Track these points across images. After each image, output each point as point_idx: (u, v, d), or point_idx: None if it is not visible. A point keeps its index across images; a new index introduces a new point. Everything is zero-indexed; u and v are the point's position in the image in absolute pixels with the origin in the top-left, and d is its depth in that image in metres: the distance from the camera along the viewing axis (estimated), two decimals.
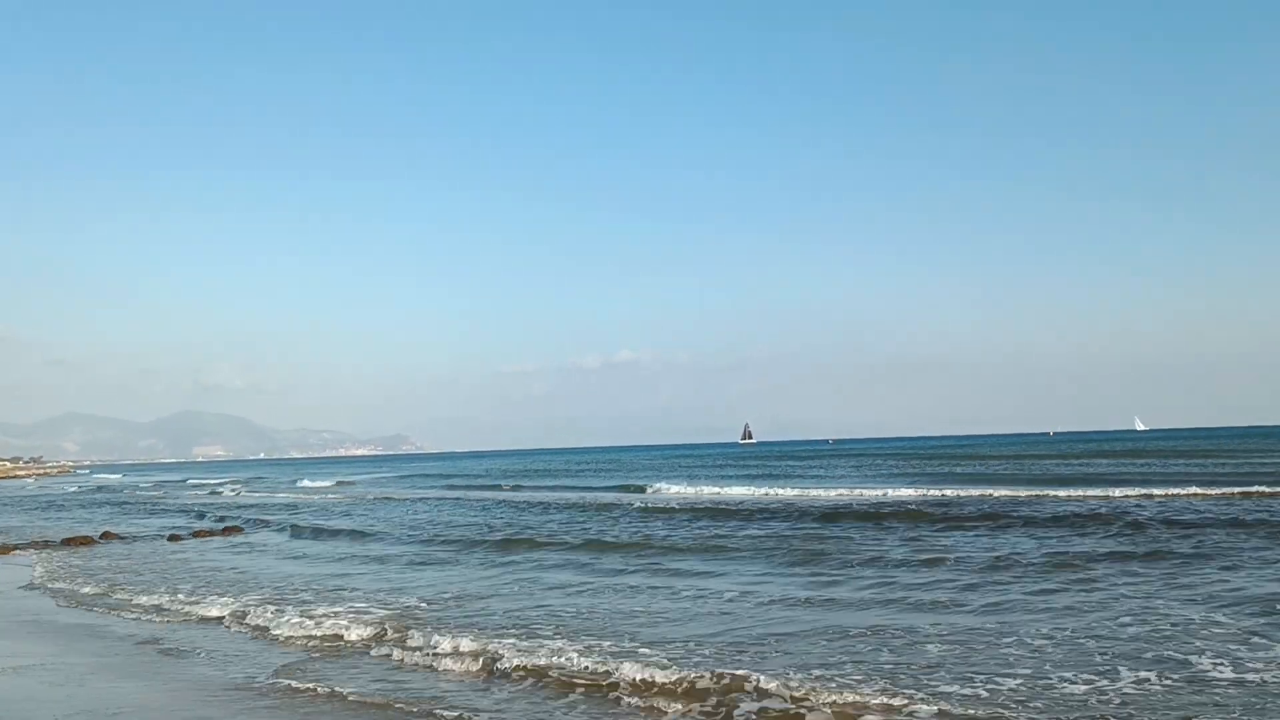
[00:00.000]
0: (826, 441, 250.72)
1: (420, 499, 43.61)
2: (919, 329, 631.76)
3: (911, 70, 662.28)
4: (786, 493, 37.93)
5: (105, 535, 27.91)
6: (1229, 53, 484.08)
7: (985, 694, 8.27)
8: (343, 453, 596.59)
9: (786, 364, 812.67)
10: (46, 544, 25.73)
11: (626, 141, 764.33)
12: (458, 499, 42.87)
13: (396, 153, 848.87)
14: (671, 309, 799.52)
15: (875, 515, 25.34)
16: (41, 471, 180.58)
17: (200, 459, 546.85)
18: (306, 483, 72.63)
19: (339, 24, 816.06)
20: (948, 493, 34.11)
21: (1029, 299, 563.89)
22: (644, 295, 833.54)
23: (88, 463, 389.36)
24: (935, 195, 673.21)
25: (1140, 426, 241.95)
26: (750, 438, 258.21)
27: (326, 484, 69.23)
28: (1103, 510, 24.25)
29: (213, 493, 61.97)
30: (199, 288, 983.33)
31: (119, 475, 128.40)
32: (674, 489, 45.11)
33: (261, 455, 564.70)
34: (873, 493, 36.20)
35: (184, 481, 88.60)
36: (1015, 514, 24.36)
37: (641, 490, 45.59)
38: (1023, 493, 33.07)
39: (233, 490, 63.73)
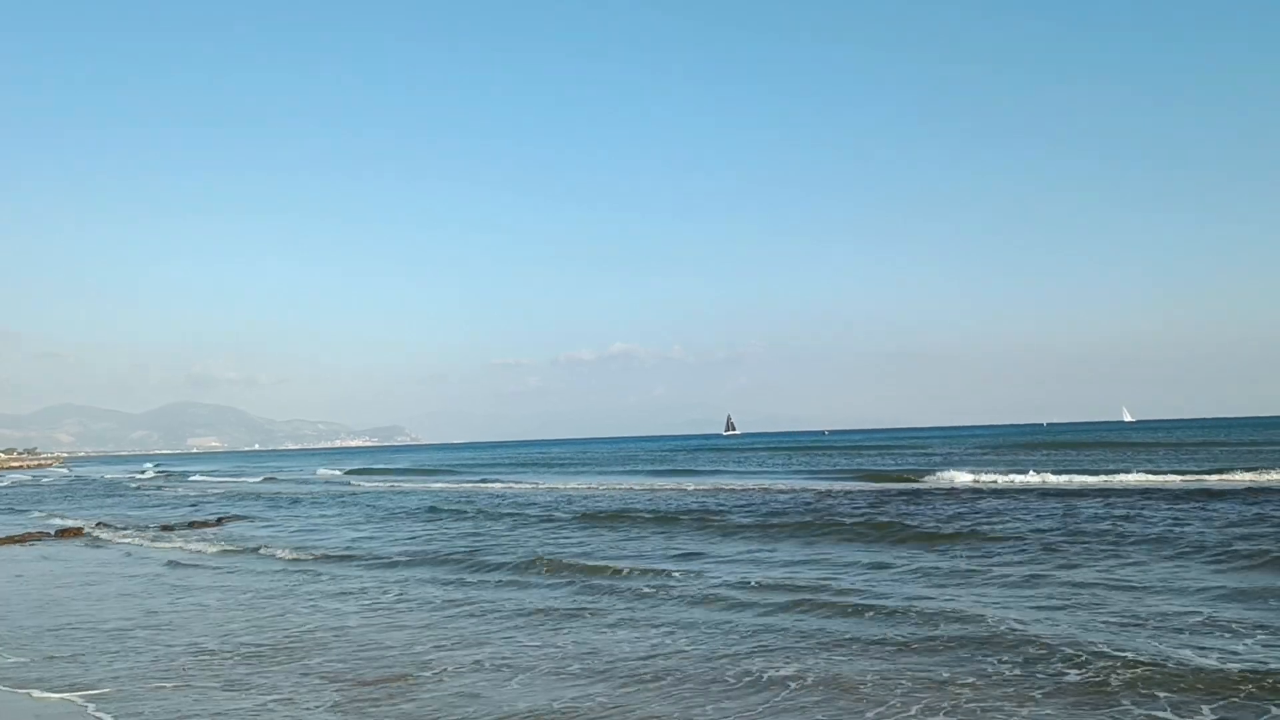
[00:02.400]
0: (823, 433, 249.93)
1: (301, 495, 42.17)
2: (919, 323, 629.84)
3: (904, 72, 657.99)
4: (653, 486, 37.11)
5: None
6: (1219, 56, 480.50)
7: None
8: (338, 444, 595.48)
9: (783, 357, 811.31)
10: None
11: (620, 139, 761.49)
12: (352, 495, 41.42)
13: (391, 152, 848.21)
14: (665, 303, 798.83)
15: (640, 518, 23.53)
16: (20, 464, 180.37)
17: (195, 450, 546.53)
18: (200, 477, 73.12)
19: (331, 27, 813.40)
20: (835, 487, 33.07)
21: (1027, 294, 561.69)
22: (637, 289, 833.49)
23: (82, 454, 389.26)
24: (929, 193, 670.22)
25: (1128, 418, 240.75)
26: (734, 429, 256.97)
27: (255, 480, 68.05)
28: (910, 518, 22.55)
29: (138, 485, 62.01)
30: (193, 281, 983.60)
31: (64, 470, 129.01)
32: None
33: (256, 446, 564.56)
34: (741, 485, 35.52)
35: (101, 476, 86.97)
36: (823, 519, 22.35)
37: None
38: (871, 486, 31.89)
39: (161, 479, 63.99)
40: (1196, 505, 22.89)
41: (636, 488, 39.00)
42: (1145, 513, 21.69)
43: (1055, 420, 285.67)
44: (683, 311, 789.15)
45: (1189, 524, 19.10)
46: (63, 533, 26.02)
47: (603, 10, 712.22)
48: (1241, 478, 31.87)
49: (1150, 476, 33.96)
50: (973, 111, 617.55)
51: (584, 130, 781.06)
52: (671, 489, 37.27)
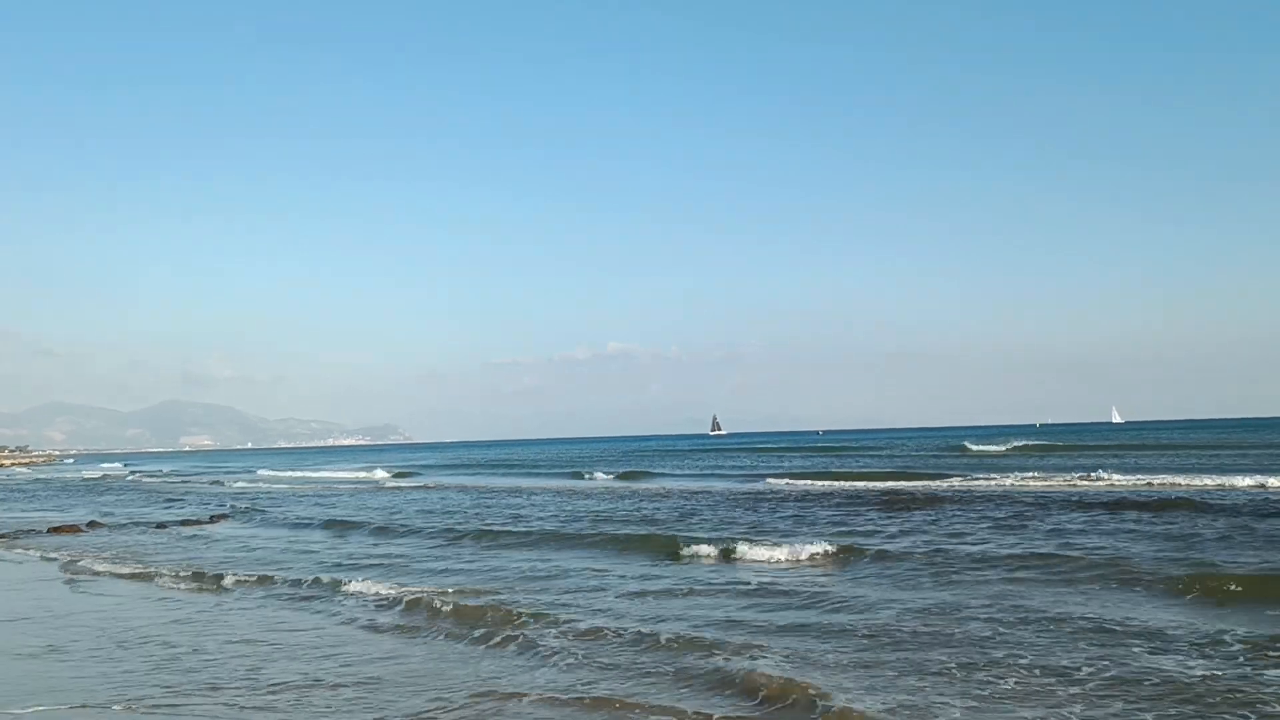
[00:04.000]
0: (817, 433, 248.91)
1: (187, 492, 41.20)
2: (919, 323, 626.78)
3: (904, 72, 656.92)
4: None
5: None
6: (1219, 56, 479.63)
7: None
8: (331, 443, 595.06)
9: (781, 357, 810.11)
10: None
11: (616, 137, 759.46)
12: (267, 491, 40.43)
13: (387, 150, 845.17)
14: (662, 303, 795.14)
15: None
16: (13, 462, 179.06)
17: (187, 449, 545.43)
18: (135, 477, 75.39)
19: (328, 27, 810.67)
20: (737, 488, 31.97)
21: (1027, 294, 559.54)
22: (635, 289, 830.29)
23: (74, 452, 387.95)
24: (929, 193, 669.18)
25: (1117, 418, 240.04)
26: (719, 429, 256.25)
27: (200, 480, 67.22)
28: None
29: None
30: (188, 280, 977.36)
31: (26, 470, 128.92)
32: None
33: (249, 445, 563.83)
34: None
35: (59, 477, 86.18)
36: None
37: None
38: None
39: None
40: (981, 511, 22.29)
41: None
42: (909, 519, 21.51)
43: (1050, 421, 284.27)
44: (680, 311, 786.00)
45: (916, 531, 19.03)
46: None
47: (602, 9, 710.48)
48: (1158, 482, 30.42)
49: (1013, 480, 33.16)
50: (973, 112, 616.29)
51: (583, 129, 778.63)
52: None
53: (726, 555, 16.72)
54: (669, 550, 17.48)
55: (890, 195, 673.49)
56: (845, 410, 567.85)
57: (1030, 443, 70.45)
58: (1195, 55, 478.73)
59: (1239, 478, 28.78)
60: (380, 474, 63.90)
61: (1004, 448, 65.53)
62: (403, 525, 24.49)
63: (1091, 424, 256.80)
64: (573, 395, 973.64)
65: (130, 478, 74.31)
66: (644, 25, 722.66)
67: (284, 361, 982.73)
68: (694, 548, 17.29)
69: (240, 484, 55.09)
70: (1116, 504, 22.64)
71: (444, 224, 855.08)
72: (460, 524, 24.03)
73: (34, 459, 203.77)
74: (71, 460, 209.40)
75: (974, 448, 67.29)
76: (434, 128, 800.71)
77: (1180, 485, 28.45)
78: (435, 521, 25.08)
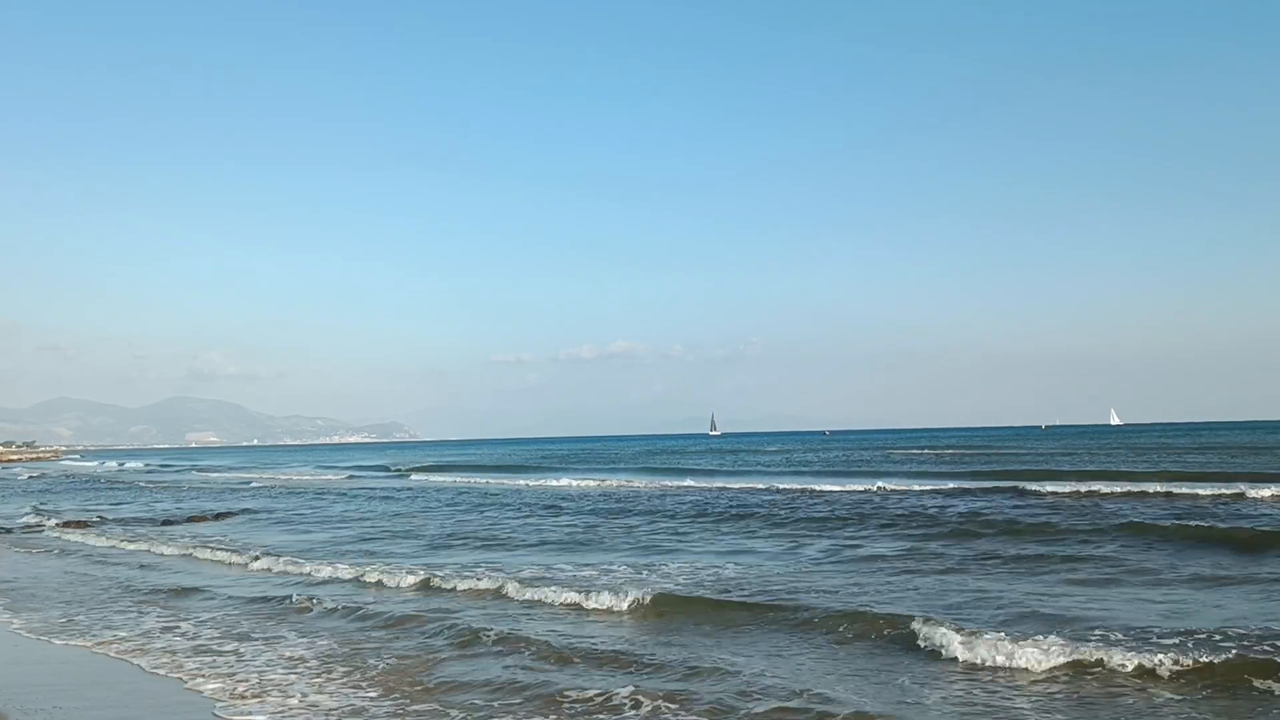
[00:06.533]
0: (823, 433, 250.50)
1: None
2: (924, 324, 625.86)
3: (905, 69, 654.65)
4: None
5: None
6: (1212, 56, 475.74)
7: None
8: (336, 440, 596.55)
9: (784, 357, 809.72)
10: None
11: (620, 133, 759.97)
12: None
13: (388, 145, 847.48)
14: (666, 301, 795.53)
15: None
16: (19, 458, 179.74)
17: (194, 445, 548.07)
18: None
19: (326, 16, 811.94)
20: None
21: (1034, 294, 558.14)
22: (639, 287, 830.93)
23: (80, 448, 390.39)
24: (929, 192, 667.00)
25: (1116, 420, 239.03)
26: (716, 429, 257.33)
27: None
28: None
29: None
30: (192, 276, 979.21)
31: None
32: None
33: (255, 442, 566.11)
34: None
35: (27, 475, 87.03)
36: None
37: None
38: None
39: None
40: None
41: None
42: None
43: (1057, 423, 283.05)
44: (683, 310, 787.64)
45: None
46: None
47: (603, 6, 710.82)
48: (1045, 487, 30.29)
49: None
50: (974, 112, 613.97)
51: (586, 127, 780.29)
52: None
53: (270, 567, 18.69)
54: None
55: (892, 195, 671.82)
56: (846, 410, 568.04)
57: (965, 450, 69.96)
58: (1195, 55, 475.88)
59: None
60: (308, 476, 64.93)
61: (930, 452, 65.93)
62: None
63: (1091, 425, 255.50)
64: (577, 393, 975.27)
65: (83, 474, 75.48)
66: (652, 24, 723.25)
67: (288, 358, 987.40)
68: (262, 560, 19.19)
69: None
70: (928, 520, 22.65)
71: (449, 221, 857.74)
72: None
73: (41, 454, 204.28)
74: (77, 456, 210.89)
75: (897, 452, 68.83)
76: (441, 123, 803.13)
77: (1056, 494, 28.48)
78: None
